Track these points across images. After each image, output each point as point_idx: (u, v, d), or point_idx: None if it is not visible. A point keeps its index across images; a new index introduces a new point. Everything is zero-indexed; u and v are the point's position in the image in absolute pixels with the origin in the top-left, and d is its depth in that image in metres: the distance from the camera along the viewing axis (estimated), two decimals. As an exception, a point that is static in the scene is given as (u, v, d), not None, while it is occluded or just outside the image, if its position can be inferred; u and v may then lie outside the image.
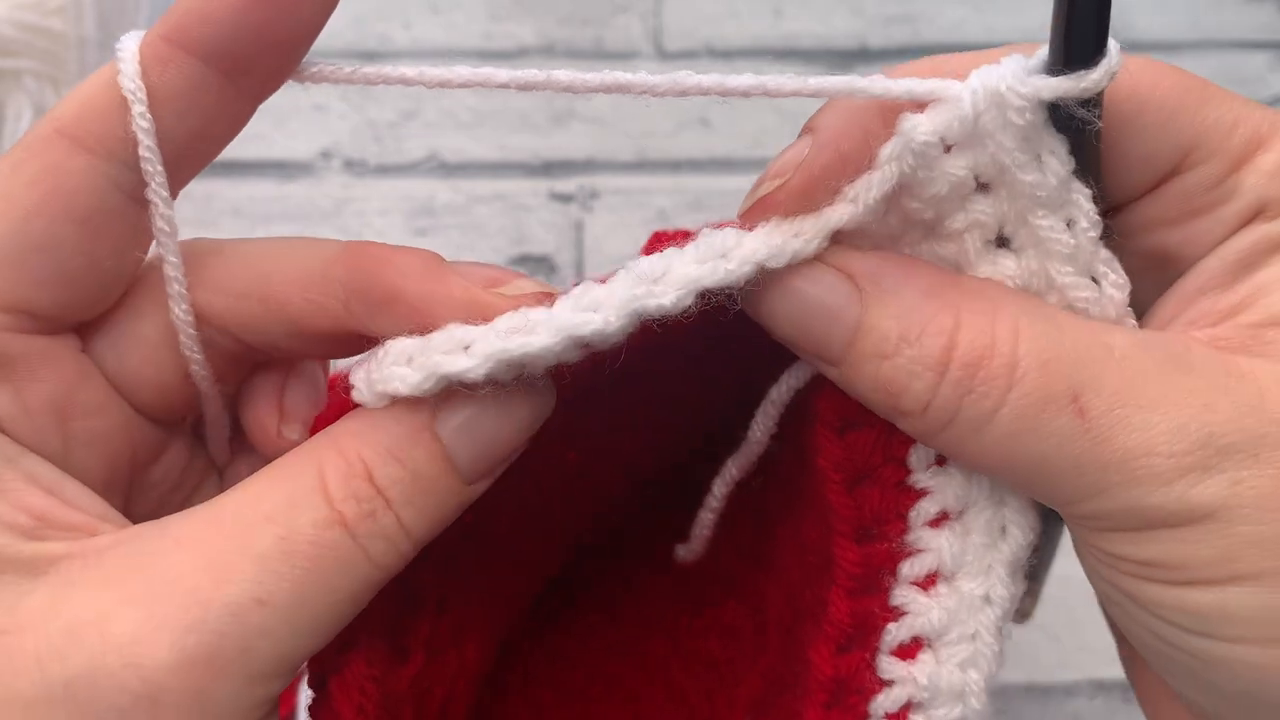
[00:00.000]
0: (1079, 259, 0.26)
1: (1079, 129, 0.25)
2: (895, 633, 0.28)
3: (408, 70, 0.27)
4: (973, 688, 0.28)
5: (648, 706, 0.37)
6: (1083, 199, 0.25)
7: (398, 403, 0.25)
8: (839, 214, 0.26)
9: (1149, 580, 0.25)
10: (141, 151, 0.25)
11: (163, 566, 0.24)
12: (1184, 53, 0.73)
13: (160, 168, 0.25)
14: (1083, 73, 0.24)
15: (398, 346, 0.26)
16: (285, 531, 0.24)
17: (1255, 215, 0.27)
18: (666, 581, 0.38)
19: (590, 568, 0.38)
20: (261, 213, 0.65)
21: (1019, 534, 0.28)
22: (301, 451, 0.26)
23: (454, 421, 0.26)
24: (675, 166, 0.67)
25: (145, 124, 0.25)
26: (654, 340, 0.26)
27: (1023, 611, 0.33)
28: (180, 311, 0.27)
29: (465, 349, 0.25)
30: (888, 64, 0.72)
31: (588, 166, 0.67)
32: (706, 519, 0.35)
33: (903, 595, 0.28)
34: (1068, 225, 0.26)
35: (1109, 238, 0.26)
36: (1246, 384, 0.24)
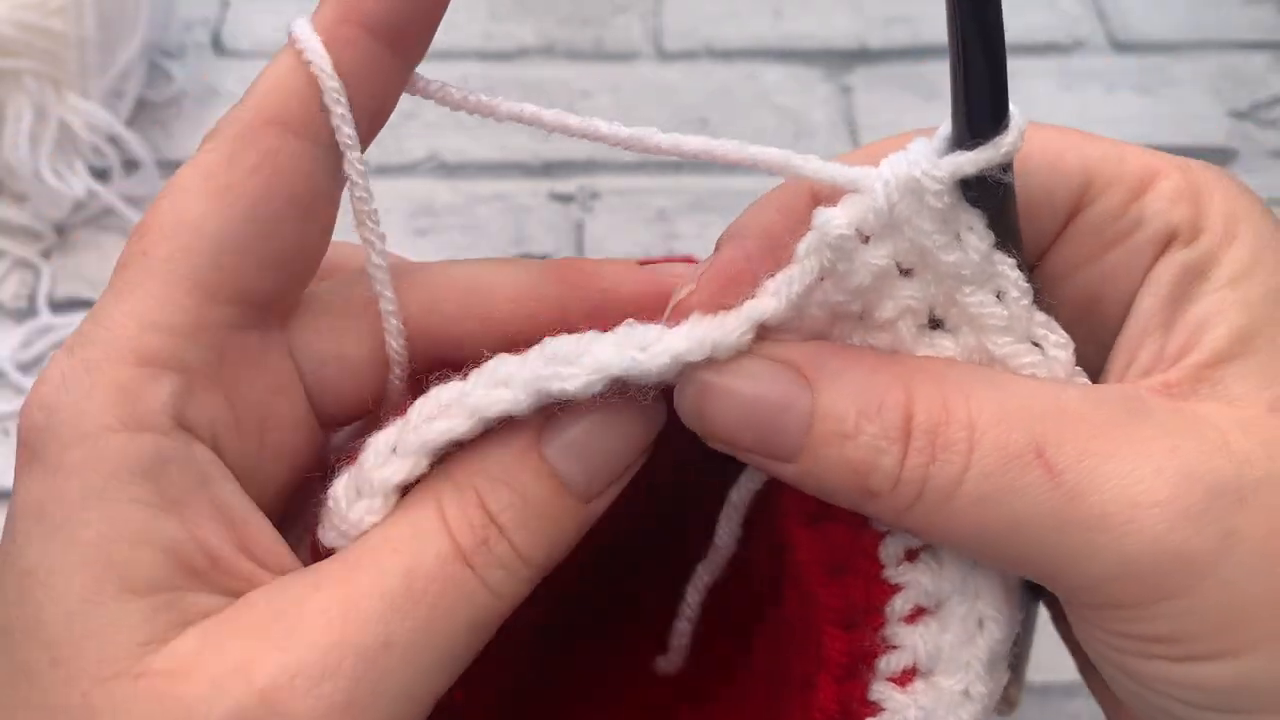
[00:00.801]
0: (1015, 328, 0.26)
1: (992, 199, 0.25)
2: None
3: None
4: None
5: None
6: (1008, 269, 0.26)
7: (505, 428, 0.26)
8: (761, 307, 0.26)
9: (1155, 657, 0.24)
10: (342, 139, 0.26)
11: (303, 612, 0.24)
12: (1184, 53, 0.73)
13: (359, 153, 0.26)
14: (999, 139, 0.24)
15: (494, 367, 0.26)
16: (410, 565, 0.24)
17: (1168, 243, 0.26)
18: (623, 653, 0.38)
19: (574, 653, 0.38)
20: (262, 213, 0.65)
21: (995, 628, 0.28)
22: (423, 484, 0.26)
23: (560, 440, 0.26)
24: (675, 167, 0.67)
25: (342, 109, 0.25)
26: None
27: (1009, 700, 0.33)
28: (392, 323, 0.28)
29: (567, 365, 0.25)
30: (887, 64, 0.72)
31: (588, 167, 0.67)
32: (683, 628, 0.35)
33: (879, 691, 0.27)
34: (998, 297, 0.26)
35: (1041, 300, 0.26)
36: (1205, 427, 0.24)
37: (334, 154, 0.26)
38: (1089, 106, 0.70)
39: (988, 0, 0.24)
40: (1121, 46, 0.73)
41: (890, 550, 0.27)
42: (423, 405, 0.26)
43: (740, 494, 0.30)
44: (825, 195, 0.26)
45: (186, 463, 0.24)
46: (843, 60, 0.72)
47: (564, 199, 0.67)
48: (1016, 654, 0.30)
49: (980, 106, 0.24)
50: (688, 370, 0.26)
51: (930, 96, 0.70)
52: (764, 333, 0.26)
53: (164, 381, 0.24)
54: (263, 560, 0.25)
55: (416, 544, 0.25)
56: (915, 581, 0.27)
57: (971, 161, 0.24)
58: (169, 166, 0.65)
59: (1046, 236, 0.28)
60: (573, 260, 0.29)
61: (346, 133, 0.26)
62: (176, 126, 0.68)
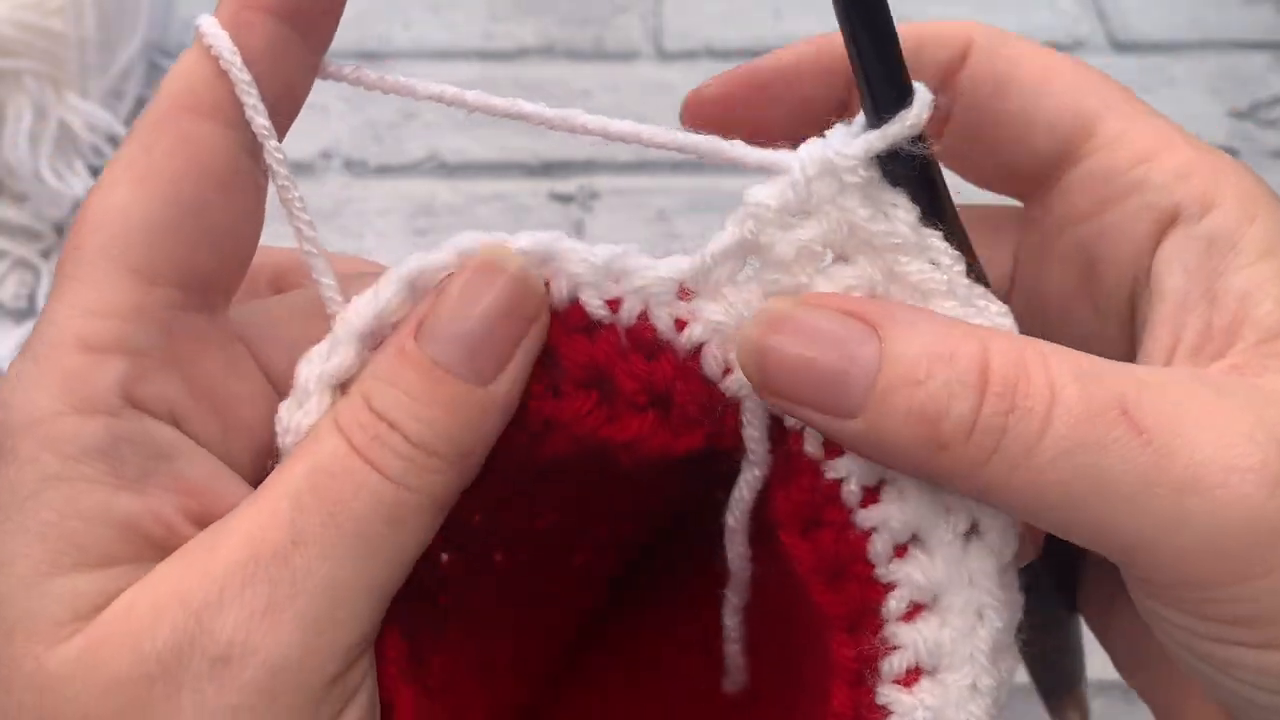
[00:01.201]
0: (958, 293, 0.26)
1: (915, 173, 0.26)
2: None
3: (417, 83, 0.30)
4: None
5: None
6: (936, 240, 0.26)
7: (388, 338, 0.27)
8: (676, 263, 0.26)
9: (1234, 644, 0.24)
10: (258, 130, 0.27)
11: (227, 532, 0.25)
12: (1184, 53, 0.73)
13: (276, 141, 0.27)
14: (904, 114, 0.25)
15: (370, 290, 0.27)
16: (310, 467, 0.25)
17: (1173, 217, 0.26)
18: (678, 675, 0.38)
19: (609, 636, 0.38)
20: (261, 213, 0.65)
21: (996, 617, 0.27)
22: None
23: (431, 329, 0.26)
24: (675, 167, 0.67)
25: (254, 100, 0.27)
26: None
27: (1081, 713, 0.33)
28: (326, 283, 0.28)
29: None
30: (888, 64, 0.72)
31: (588, 167, 0.67)
32: (734, 650, 0.34)
33: (886, 694, 0.27)
34: (934, 265, 0.26)
35: (973, 271, 0.27)
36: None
37: (250, 134, 0.27)
38: (1089, 106, 0.70)
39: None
40: (1121, 46, 0.73)
41: (879, 548, 0.27)
42: (348, 307, 0.27)
43: (735, 516, 0.30)
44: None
45: (142, 441, 0.25)
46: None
47: (564, 199, 0.67)
48: (1069, 668, 0.29)
49: (881, 87, 0.25)
50: (745, 324, 0.26)
51: (930, 96, 0.70)
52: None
53: (111, 364, 0.25)
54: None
55: (315, 447, 0.25)
56: (907, 577, 0.27)
57: (880, 137, 0.25)
58: (169, 166, 0.65)
59: (1043, 163, 0.28)
60: None
61: (260, 124, 0.27)
62: (176, 126, 0.69)
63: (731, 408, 0.27)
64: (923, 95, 0.25)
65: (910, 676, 0.27)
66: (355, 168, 0.67)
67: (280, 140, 0.28)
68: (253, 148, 0.27)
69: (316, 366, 0.27)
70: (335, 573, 0.24)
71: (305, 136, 0.67)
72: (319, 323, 0.28)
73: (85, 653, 0.24)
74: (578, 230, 0.66)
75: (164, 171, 0.26)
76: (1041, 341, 0.25)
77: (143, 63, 0.67)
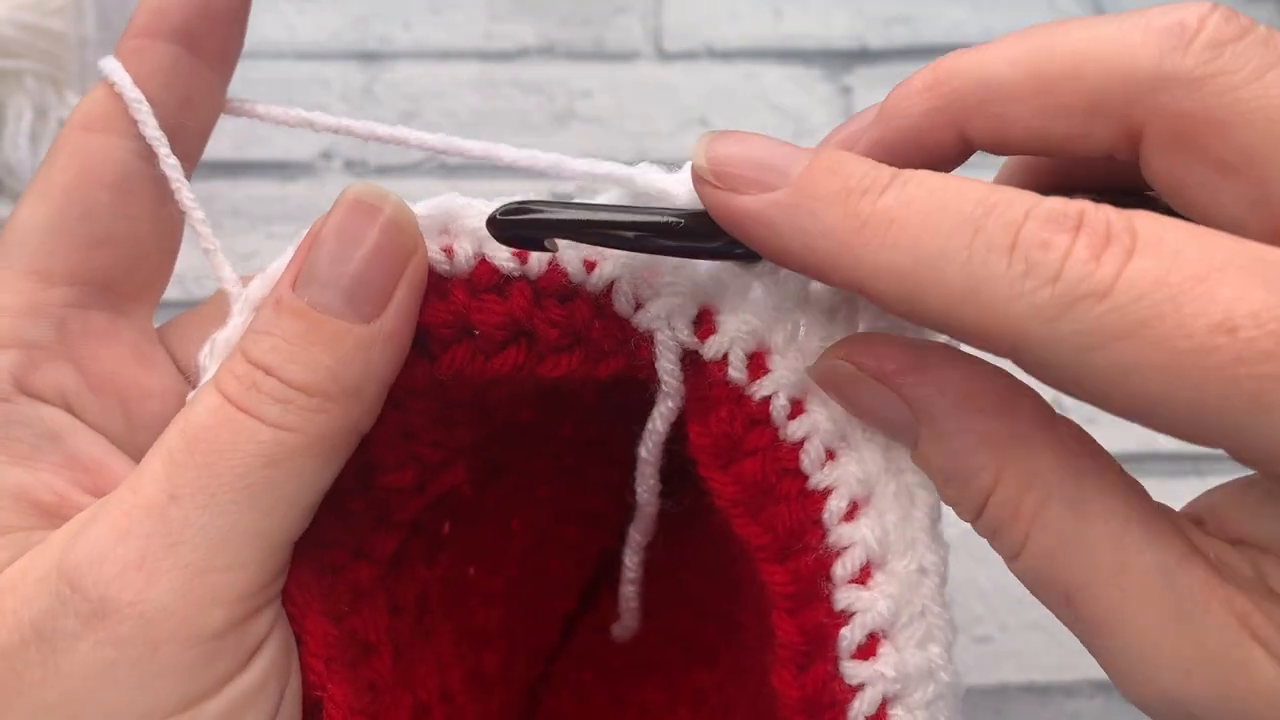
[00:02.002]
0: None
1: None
2: (850, 636, 0.27)
3: (328, 118, 0.32)
4: (938, 661, 0.27)
5: None
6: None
7: (268, 294, 0.27)
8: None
9: None
10: (147, 133, 0.29)
11: (106, 501, 0.25)
12: (1184, 53, 0.73)
13: (157, 126, 0.29)
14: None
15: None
16: (183, 425, 0.26)
17: None
18: (651, 630, 0.38)
19: (575, 628, 0.39)
20: (261, 213, 0.65)
21: (926, 495, 0.28)
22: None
23: (304, 274, 0.26)
24: (675, 167, 0.67)
25: (135, 96, 0.29)
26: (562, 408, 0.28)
27: None
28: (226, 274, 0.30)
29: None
30: (887, 64, 0.72)
31: (588, 167, 0.67)
32: (629, 592, 0.35)
33: (846, 597, 0.27)
34: None
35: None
36: None
37: (144, 144, 0.29)
38: (1089, 106, 0.70)
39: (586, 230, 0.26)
40: (1121, 46, 0.73)
41: (811, 456, 0.27)
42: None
43: (648, 449, 0.30)
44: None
45: (32, 422, 0.27)
46: (843, 60, 0.72)
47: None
48: None
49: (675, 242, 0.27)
50: (820, 359, 0.27)
51: (930, 96, 0.70)
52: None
53: (3, 356, 0.27)
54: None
55: (190, 409, 0.26)
56: (844, 476, 0.27)
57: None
58: (169, 166, 0.65)
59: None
60: None
61: (150, 131, 0.29)
62: (177, 126, 0.69)
63: (645, 341, 0.28)
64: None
65: (864, 573, 0.27)
66: (355, 168, 0.67)
67: (200, 150, 0.31)
68: (145, 152, 0.29)
69: (209, 346, 0.28)
70: (213, 520, 0.25)
71: (305, 137, 0.67)
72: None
73: None
74: (578, 230, 0.66)
75: (58, 182, 0.28)
76: (1056, 490, 0.24)
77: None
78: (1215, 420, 0.20)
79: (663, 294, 0.27)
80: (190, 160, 0.31)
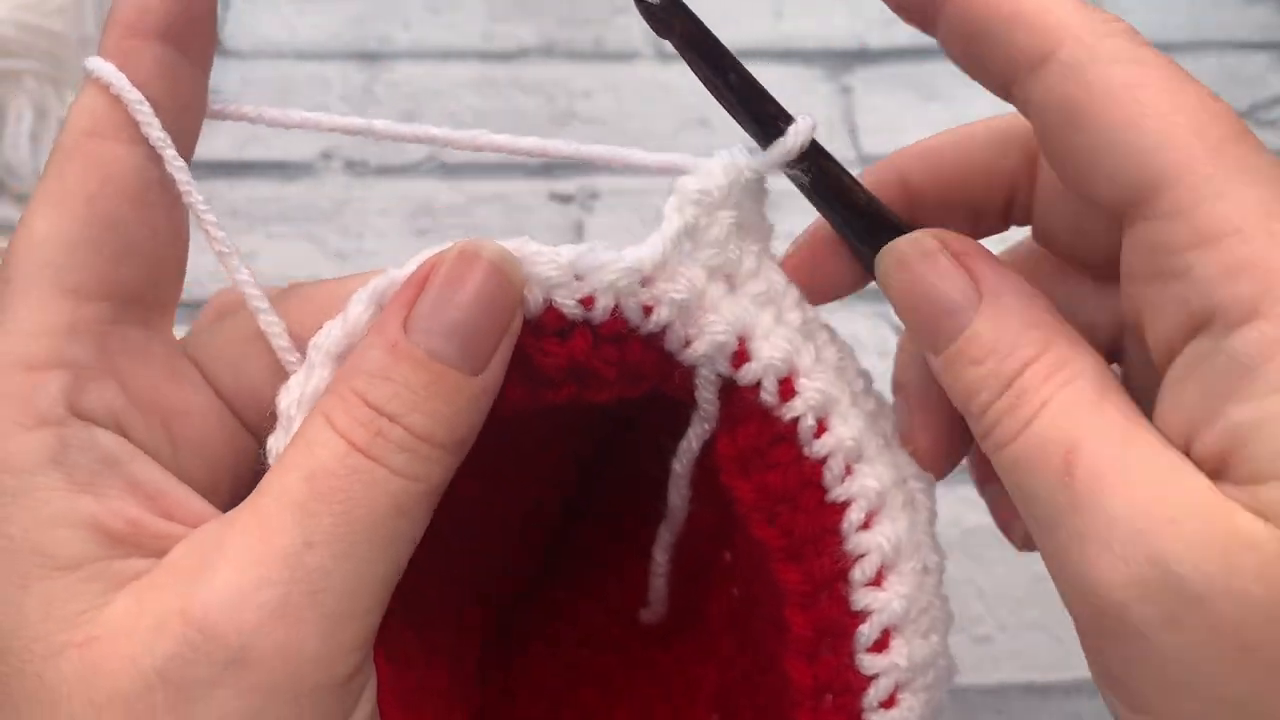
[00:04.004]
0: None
1: (815, 183, 0.31)
2: (867, 633, 0.30)
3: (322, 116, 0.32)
4: (938, 649, 0.30)
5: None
6: (772, 274, 0.31)
7: (372, 331, 0.27)
8: (639, 254, 0.29)
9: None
10: (154, 141, 0.28)
11: (223, 545, 0.25)
12: (1184, 53, 0.73)
13: (161, 128, 0.28)
14: (776, 143, 0.29)
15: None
16: (309, 472, 0.25)
17: (1204, 322, 0.24)
18: (600, 603, 0.40)
19: (523, 604, 0.41)
20: (261, 213, 0.65)
21: (925, 500, 0.31)
22: (307, 418, 0.27)
23: (418, 321, 0.26)
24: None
25: (137, 99, 0.28)
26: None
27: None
28: (264, 315, 0.29)
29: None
30: (887, 64, 0.72)
31: (588, 167, 0.67)
32: (659, 585, 0.37)
33: (863, 599, 0.30)
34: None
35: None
36: None
37: (150, 148, 0.28)
38: (1089, 106, 0.70)
39: (709, 52, 0.30)
40: (1121, 46, 0.74)
41: (833, 471, 0.30)
42: (319, 333, 0.28)
43: (681, 463, 0.33)
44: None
45: (89, 447, 0.26)
46: (843, 60, 0.72)
47: (564, 199, 0.67)
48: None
49: (753, 125, 0.30)
50: (892, 241, 0.30)
51: (930, 96, 0.70)
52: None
53: (52, 379, 0.26)
54: (187, 523, 0.26)
55: (310, 452, 0.26)
56: (862, 490, 0.30)
57: (752, 165, 0.30)
58: (169, 167, 0.65)
59: (1106, 210, 0.27)
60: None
61: (156, 136, 0.28)
62: (177, 127, 0.69)
63: (685, 372, 0.30)
64: (801, 127, 0.29)
65: (879, 576, 0.30)
66: (356, 168, 0.67)
67: (192, 150, 0.30)
68: (156, 160, 0.29)
69: (295, 392, 0.28)
70: (351, 569, 0.25)
71: (306, 137, 0.67)
72: (261, 342, 0.29)
73: (83, 667, 0.24)
74: (578, 230, 0.66)
75: (78, 194, 0.27)
76: (1089, 381, 0.27)
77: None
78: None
79: (706, 333, 0.29)
80: (184, 156, 0.30)
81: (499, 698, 0.38)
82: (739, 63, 0.30)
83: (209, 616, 0.24)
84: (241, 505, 0.26)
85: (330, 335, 0.28)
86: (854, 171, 0.31)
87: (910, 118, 0.69)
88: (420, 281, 0.27)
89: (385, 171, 0.67)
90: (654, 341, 0.29)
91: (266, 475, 0.26)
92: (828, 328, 0.32)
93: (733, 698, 0.36)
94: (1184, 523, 0.24)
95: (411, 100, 0.69)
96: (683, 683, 0.38)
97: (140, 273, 0.28)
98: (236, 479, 0.30)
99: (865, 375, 0.32)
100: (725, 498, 0.31)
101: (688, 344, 0.29)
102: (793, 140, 0.29)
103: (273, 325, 0.30)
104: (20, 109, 0.61)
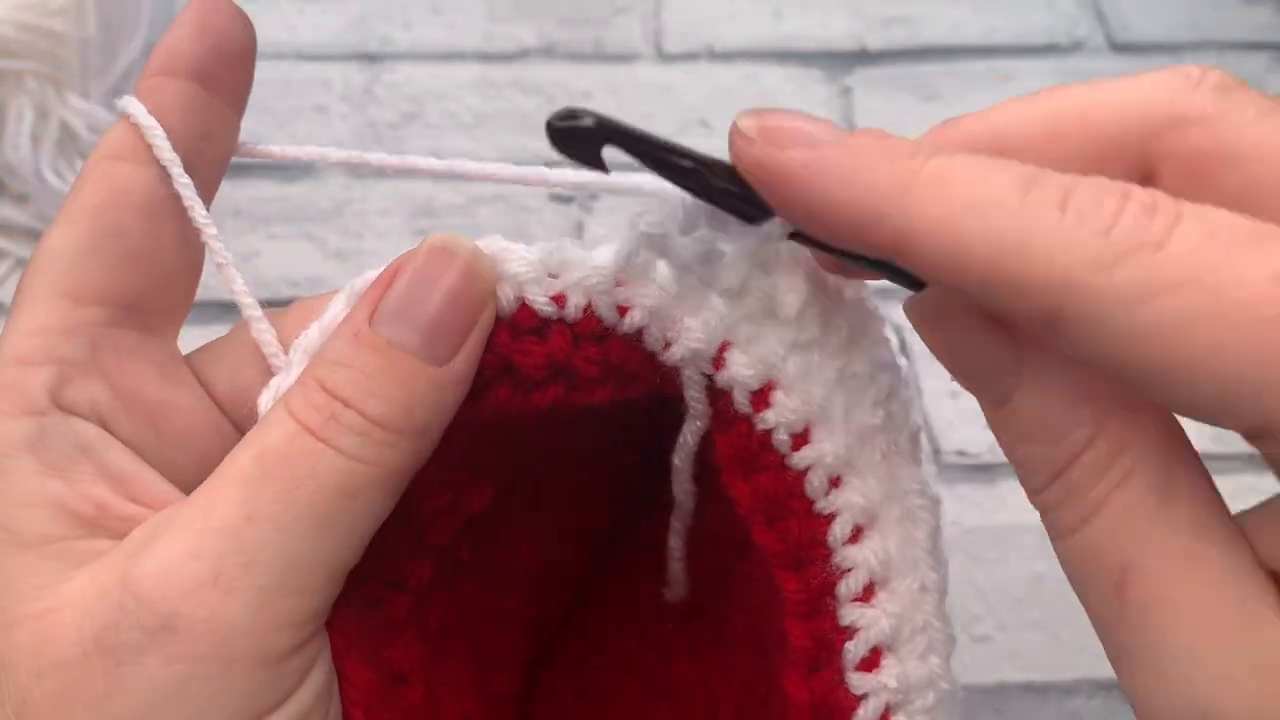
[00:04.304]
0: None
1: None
2: (854, 650, 0.29)
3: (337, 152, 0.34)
4: (938, 671, 0.29)
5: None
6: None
7: (339, 326, 0.28)
8: (610, 256, 0.28)
9: None
10: (162, 158, 0.30)
11: (171, 520, 0.26)
12: (1184, 53, 0.73)
13: (171, 149, 0.30)
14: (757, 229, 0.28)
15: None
16: (259, 450, 0.26)
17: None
18: (639, 622, 0.40)
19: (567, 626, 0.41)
20: (261, 213, 0.65)
21: (928, 516, 0.30)
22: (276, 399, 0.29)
23: (383, 311, 0.27)
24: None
25: (151, 124, 0.30)
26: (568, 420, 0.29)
27: None
28: (256, 322, 0.31)
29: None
30: (887, 65, 0.72)
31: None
32: (676, 568, 0.38)
33: (850, 614, 0.29)
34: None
35: None
36: None
37: (167, 172, 0.30)
38: (1088, 107, 0.70)
39: (652, 152, 0.27)
40: (1121, 47, 0.74)
41: (815, 484, 0.29)
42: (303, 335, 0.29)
43: (681, 458, 0.33)
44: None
45: (66, 435, 0.27)
46: (842, 61, 0.72)
47: (564, 200, 0.67)
48: None
49: (731, 206, 0.27)
50: (915, 297, 0.27)
51: (930, 97, 0.70)
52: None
53: (39, 372, 0.28)
54: (155, 506, 0.27)
55: (263, 432, 0.26)
56: (847, 504, 0.29)
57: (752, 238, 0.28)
58: (170, 167, 0.65)
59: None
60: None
61: (165, 155, 0.30)
62: (177, 127, 0.69)
63: (673, 372, 0.29)
64: (771, 230, 0.27)
65: (867, 592, 0.29)
66: (356, 168, 0.67)
67: (218, 180, 0.33)
68: (169, 178, 0.30)
69: (273, 390, 0.29)
70: (290, 544, 0.25)
71: (306, 137, 0.67)
72: (258, 350, 0.31)
73: (33, 636, 0.25)
74: (578, 231, 0.66)
75: (87, 207, 0.29)
76: (1145, 463, 0.23)
77: (144, 64, 0.67)
78: (1260, 377, 0.19)
79: (683, 339, 0.29)
80: (210, 190, 0.32)
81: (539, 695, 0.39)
82: (679, 149, 0.27)
83: (142, 585, 0.24)
84: (199, 487, 0.27)
85: (308, 335, 0.29)
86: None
87: (910, 118, 0.69)
88: (390, 277, 0.27)
89: (385, 174, 0.67)
90: (635, 341, 0.29)
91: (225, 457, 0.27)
92: (871, 328, 0.30)
93: (747, 712, 0.36)
94: (1242, 682, 0.21)
95: (412, 101, 0.69)
96: (705, 703, 0.38)
97: (141, 281, 0.30)
98: (175, 425, 0.31)
99: (888, 382, 0.31)
100: (717, 493, 0.31)
101: (667, 345, 0.29)
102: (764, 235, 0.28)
103: (264, 332, 0.31)
104: (20, 109, 0.61)
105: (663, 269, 0.29)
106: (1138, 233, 0.20)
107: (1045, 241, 0.21)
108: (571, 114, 0.26)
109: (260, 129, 0.67)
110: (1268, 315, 0.19)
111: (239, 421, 0.31)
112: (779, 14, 0.74)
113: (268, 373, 0.31)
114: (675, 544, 0.37)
